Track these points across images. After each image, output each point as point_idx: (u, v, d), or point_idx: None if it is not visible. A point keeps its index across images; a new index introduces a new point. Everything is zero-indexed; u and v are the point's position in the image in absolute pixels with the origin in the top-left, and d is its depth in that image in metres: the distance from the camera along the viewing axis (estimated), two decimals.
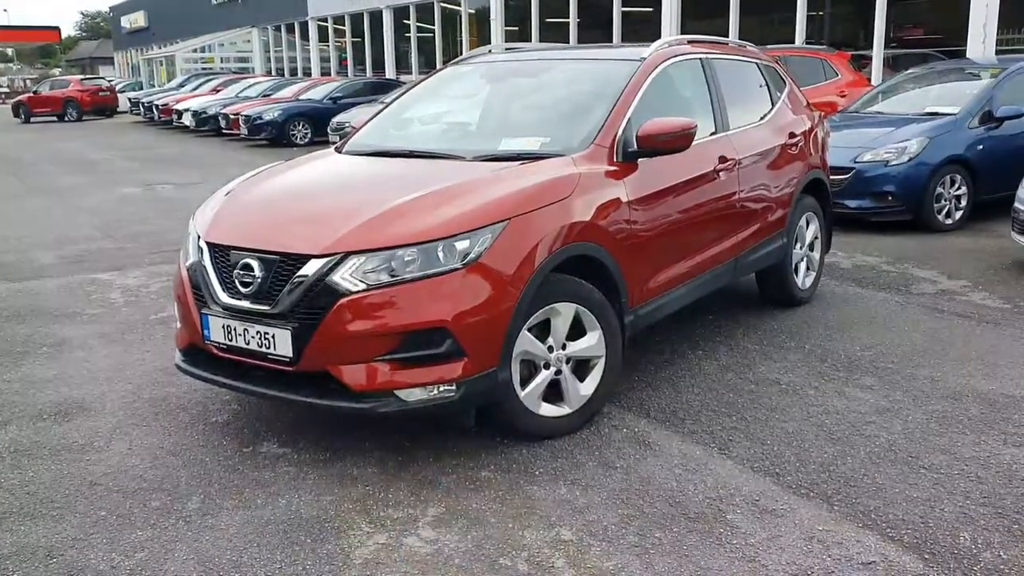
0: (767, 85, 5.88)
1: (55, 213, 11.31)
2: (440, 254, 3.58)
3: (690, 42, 5.39)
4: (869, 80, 13.35)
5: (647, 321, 4.57)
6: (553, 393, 4.02)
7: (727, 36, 16.33)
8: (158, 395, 4.69)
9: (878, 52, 14.21)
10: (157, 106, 30.06)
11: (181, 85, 33.68)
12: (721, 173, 4.99)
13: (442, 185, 3.96)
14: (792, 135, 5.78)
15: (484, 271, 3.61)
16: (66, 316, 6.30)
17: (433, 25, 26.06)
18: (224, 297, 3.82)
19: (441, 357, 3.55)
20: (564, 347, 4.00)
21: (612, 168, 4.28)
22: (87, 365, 5.22)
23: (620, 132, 4.39)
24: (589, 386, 4.11)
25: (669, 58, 4.96)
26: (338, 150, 5.01)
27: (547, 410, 3.99)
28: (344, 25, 31.64)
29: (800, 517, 3.30)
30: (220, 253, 3.90)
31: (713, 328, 5.63)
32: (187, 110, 26.47)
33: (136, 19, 55.90)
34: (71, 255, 8.57)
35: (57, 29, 77.56)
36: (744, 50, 5.98)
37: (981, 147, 8.77)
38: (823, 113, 6.72)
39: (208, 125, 24.91)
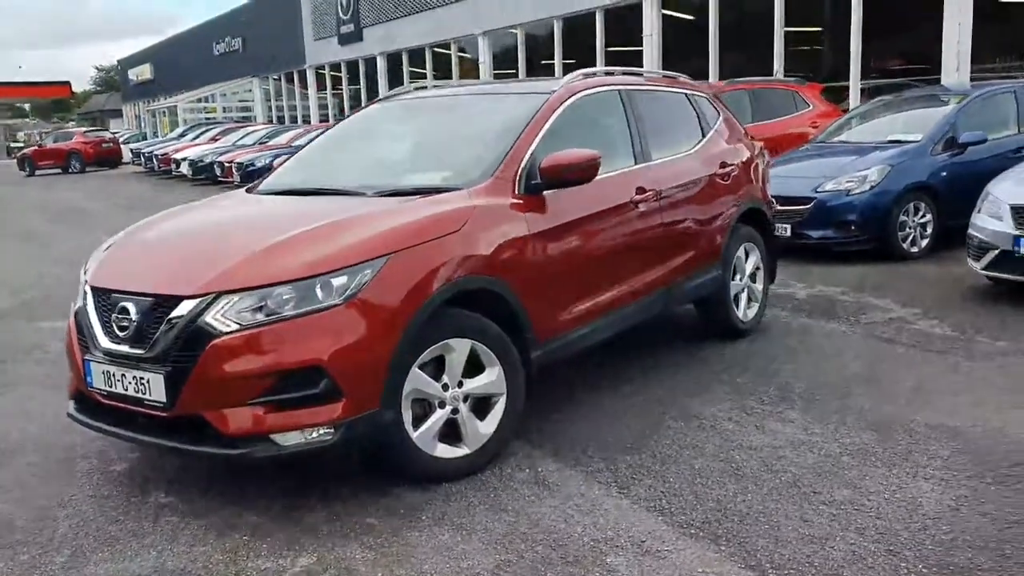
0: (698, 116, 5.80)
1: (25, 258, 11.32)
2: (318, 291, 3.48)
3: (607, 74, 5.34)
4: (845, 111, 13.26)
5: (562, 354, 4.45)
6: (452, 433, 3.90)
7: (710, 72, 16.37)
8: (68, 442, 4.57)
9: (855, 82, 14.17)
10: (156, 156, 30.32)
11: (182, 135, 33.99)
12: (640, 204, 4.89)
13: (326, 221, 3.87)
14: (724, 165, 5.68)
15: (363, 308, 3.51)
16: None
17: (425, 69, 26.25)
18: (104, 342, 3.73)
19: (317, 398, 3.44)
20: (460, 385, 3.88)
21: (513, 201, 4.19)
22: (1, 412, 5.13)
23: (523, 164, 4.30)
24: (490, 425, 3.98)
25: (581, 91, 4.90)
26: (249, 190, 4.94)
27: (443, 451, 3.86)
28: (341, 72, 31.94)
29: (683, 558, 3.15)
30: (102, 297, 3.82)
31: (649, 361, 5.50)
32: (184, 159, 26.67)
33: (142, 72, 56.70)
34: (21, 301, 8.56)
35: (68, 84, 78.67)
36: (673, 81, 5.92)
37: (945, 173, 8.64)
38: (763, 144, 6.63)
39: (205, 174, 25.05)
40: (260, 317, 3.43)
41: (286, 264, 3.54)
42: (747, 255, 5.99)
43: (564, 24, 20.74)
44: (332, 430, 3.46)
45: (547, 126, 4.54)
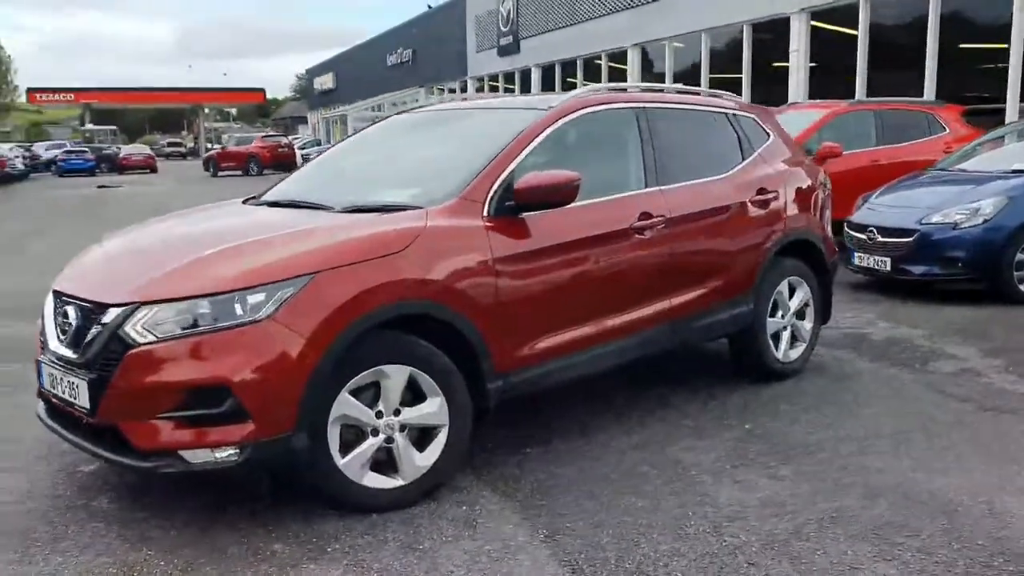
0: (739, 138, 5.38)
1: None
2: (236, 308, 3.40)
3: (624, 91, 5.03)
4: None
5: (530, 387, 4.20)
6: (389, 462, 3.74)
7: (857, 90, 15.46)
8: (52, 439, 4.67)
9: (1012, 104, 12.97)
10: None
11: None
12: (644, 231, 4.57)
13: (266, 235, 3.81)
14: (763, 192, 5.24)
15: (279, 328, 3.40)
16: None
17: (576, 79, 26.14)
18: (53, 345, 3.80)
19: (223, 417, 3.35)
20: (397, 413, 3.71)
21: (479, 223, 3.98)
22: None
23: (497, 185, 4.10)
24: (429, 457, 3.80)
25: (582, 108, 4.63)
26: (245, 200, 4.95)
27: (374, 480, 3.70)
28: (499, 83, 32.32)
29: None
30: (56, 300, 3.89)
31: (657, 398, 5.13)
32: None
33: (326, 81, 59.49)
34: None
35: (262, 91, 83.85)
36: (711, 100, 5.52)
37: None
38: (826, 171, 6.09)
39: None
40: (176, 330, 3.39)
41: (207, 278, 3.49)
42: (792, 290, 5.51)
43: (710, 38, 20.14)
44: (238, 451, 3.37)
45: (533, 145, 4.31)
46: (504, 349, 4.01)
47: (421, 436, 3.81)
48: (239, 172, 39.22)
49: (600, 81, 24.89)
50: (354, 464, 3.64)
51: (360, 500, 3.68)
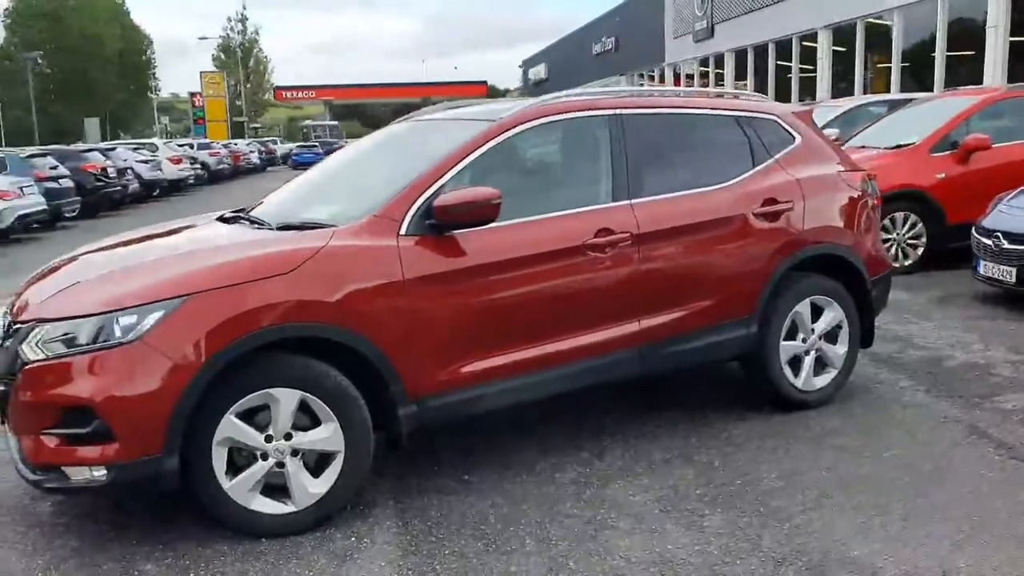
0: (749, 143, 4.86)
1: None
2: (114, 329, 3.44)
3: (599, 96, 4.64)
4: None
5: (457, 413, 4.01)
6: (283, 488, 3.69)
7: None
8: None
9: None
10: None
11: None
12: (606, 248, 4.23)
13: (163, 256, 3.86)
14: (771, 202, 4.71)
15: (147, 350, 3.41)
16: None
17: (790, 62, 24.84)
18: None
19: (92, 437, 3.42)
20: (289, 437, 3.65)
21: (392, 242, 3.83)
22: None
23: (420, 202, 3.93)
24: (323, 484, 3.71)
25: (538, 118, 4.34)
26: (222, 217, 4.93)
27: (262, 505, 3.66)
28: (694, 70, 31.41)
29: None
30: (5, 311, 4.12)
31: (637, 428, 4.74)
32: None
33: (539, 71, 60.18)
34: None
35: (485, 83, 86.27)
36: (717, 103, 5.01)
37: None
38: (871, 174, 5.38)
39: None
40: (60, 349, 3.48)
41: (89, 299, 3.56)
42: (818, 311, 4.94)
43: (903, 17, 18.56)
44: (106, 471, 3.43)
45: (468, 160, 4.10)
46: (420, 373, 3.85)
47: (321, 461, 3.73)
48: None
49: (790, 64, 23.67)
50: (240, 488, 3.61)
51: (248, 524, 3.65)
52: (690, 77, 32.01)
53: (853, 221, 5.07)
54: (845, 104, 12.51)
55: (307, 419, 3.69)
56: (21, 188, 16.51)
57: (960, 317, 6.98)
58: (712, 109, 4.91)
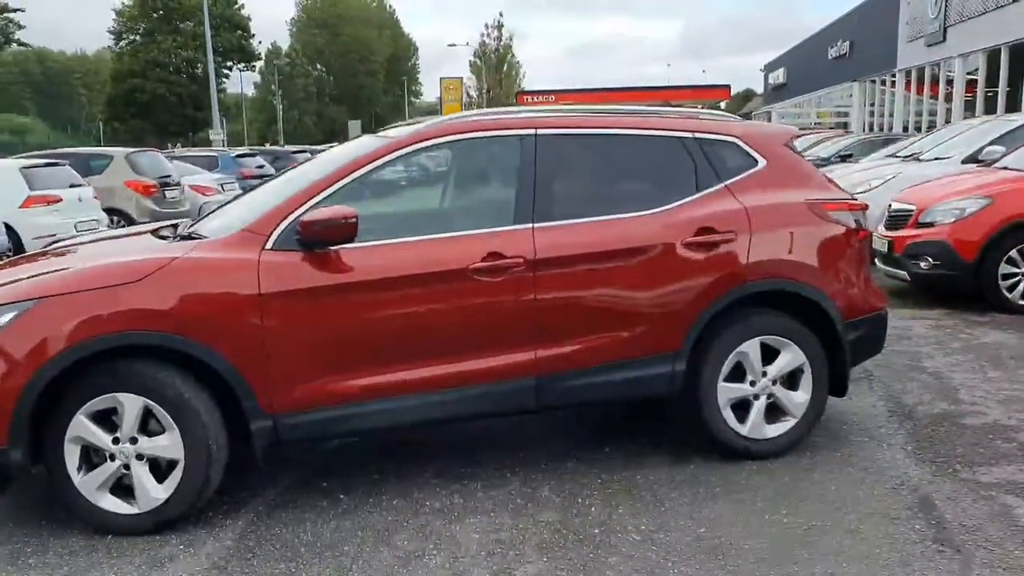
0: (695, 166, 4.45)
1: None
2: None
3: (516, 114, 4.43)
4: None
5: (314, 431, 4.00)
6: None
7: None
8: None
9: None
10: None
11: None
12: (496, 273, 4.05)
13: (51, 260, 4.11)
14: (706, 231, 4.29)
15: None
16: None
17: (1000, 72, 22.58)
18: None
19: None
20: (135, 442, 3.80)
21: (248, 256, 3.87)
22: None
23: (293, 219, 3.95)
24: (165, 490, 3.82)
25: (436, 137, 4.24)
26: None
27: (111, 504, 3.83)
28: (924, 76, 29.00)
29: None
30: None
31: (537, 463, 4.49)
32: None
33: (778, 76, 57.94)
34: None
35: (728, 87, 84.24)
36: (664, 122, 4.59)
37: None
38: (858, 206, 4.73)
39: None
40: None
41: None
42: (773, 353, 4.46)
43: None
44: None
45: (351, 178, 4.09)
46: (276, 389, 3.88)
47: (168, 468, 3.85)
48: None
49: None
50: (89, 484, 3.80)
51: (98, 521, 3.84)
52: (920, 85, 29.60)
53: (821, 255, 4.52)
54: (1019, 119, 11.09)
55: (159, 425, 3.82)
56: (222, 184, 18.02)
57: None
58: (651, 130, 4.54)
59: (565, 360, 4.20)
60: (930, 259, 8.03)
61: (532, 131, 4.32)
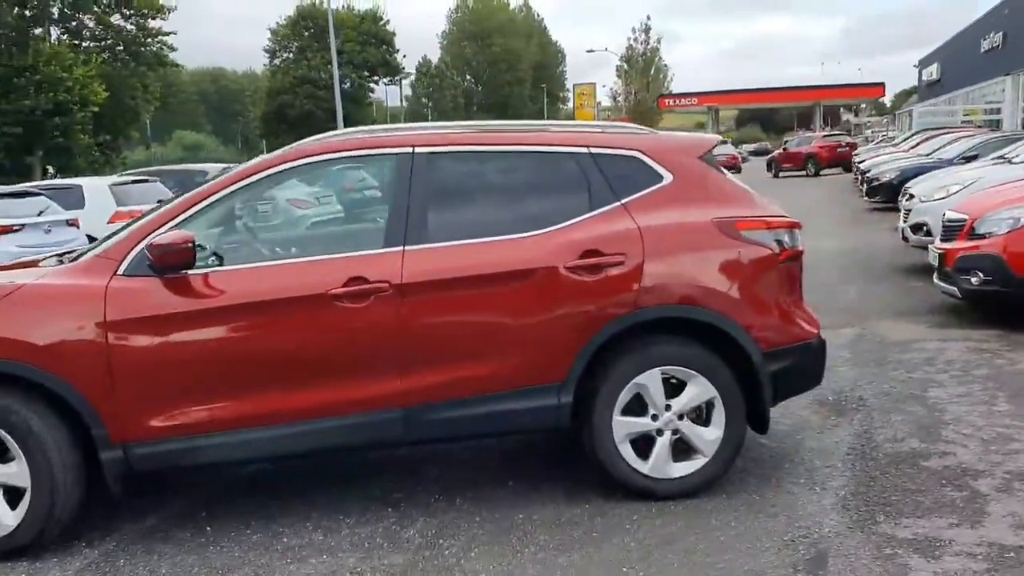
0: (589, 184, 4.09)
1: None
2: None
3: (392, 134, 4.21)
4: None
5: (168, 462, 3.91)
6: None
7: None
8: None
9: None
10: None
11: (906, 139, 32.16)
12: (358, 298, 3.86)
13: None
14: (594, 253, 3.96)
15: None
16: None
17: None
18: None
19: None
20: None
21: (95, 282, 3.83)
22: None
23: (145, 243, 3.88)
24: (15, 517, 3.83)
25: (297, 159, 4.09)
26: None
27: None
28: None
29: None
30: None
31: (426, 498, 4.25)
32: (863, 170, 25.47)
33: (931, 71, 54.86)
34: None
35: (882, 85, 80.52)
36: (558, 137, 4.25)
37: None
38: (789, 225, 4.23)
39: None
40: None
41: None
42: (678, 385, 4.08)
43: None
44: None
45: (208, 202, 4.00)
46: (125, 419, 3.82)
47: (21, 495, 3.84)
48: (801, 172, 38.31)
49: None
50: None
51: None
52: None
53: (732, 279, 4.09)
54: None
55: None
56: (318, 198, 18.45)
57: None
58: (540, 146, 4.23)
59: (436, 390, 3.95)
60: (980, 274, 7.24)
61: (409, 149, 4.11)
